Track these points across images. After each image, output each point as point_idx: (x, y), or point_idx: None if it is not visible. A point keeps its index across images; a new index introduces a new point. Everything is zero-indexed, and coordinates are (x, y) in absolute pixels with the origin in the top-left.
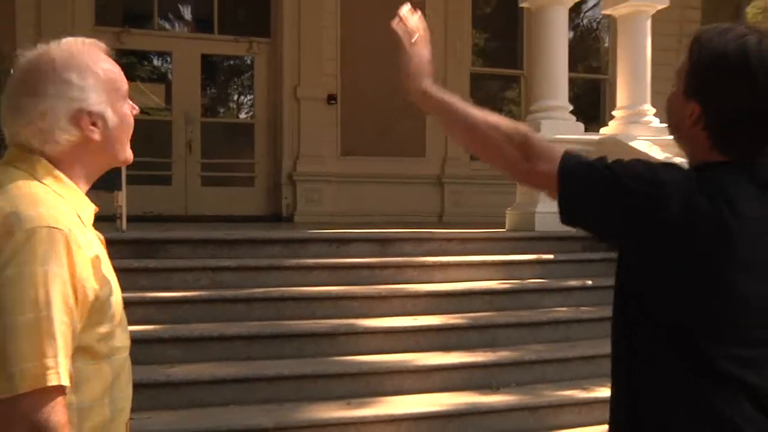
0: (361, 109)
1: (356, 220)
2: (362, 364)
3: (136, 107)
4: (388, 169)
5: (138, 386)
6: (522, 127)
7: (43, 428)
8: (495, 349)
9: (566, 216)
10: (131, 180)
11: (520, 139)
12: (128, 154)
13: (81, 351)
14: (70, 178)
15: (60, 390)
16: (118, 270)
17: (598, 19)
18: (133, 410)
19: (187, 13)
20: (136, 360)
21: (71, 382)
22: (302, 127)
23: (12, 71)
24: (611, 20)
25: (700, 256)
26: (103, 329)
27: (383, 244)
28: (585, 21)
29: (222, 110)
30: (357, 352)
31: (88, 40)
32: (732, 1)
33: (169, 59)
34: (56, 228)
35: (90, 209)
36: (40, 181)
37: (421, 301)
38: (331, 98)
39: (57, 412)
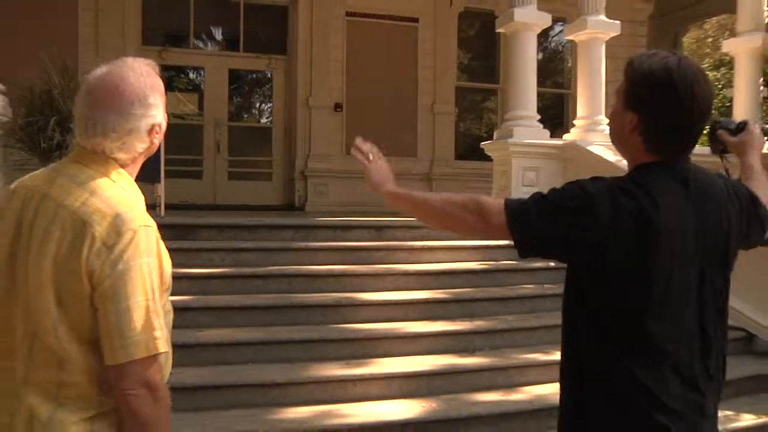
0: (362, 115)
1: (358, 210)
2: (360, 331)
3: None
4: None
5: (174, 346)
6: (472, 196)
7: (151, 384)
8: (472, 319)
9: (523, 252)
10: (169, 174)
11: (473, 206)
12: None
13: None
14: (131, 175)
15: (162, 354)
16: None
17: (563, 43)
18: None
19: (217, 34)
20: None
21: None
22: (313, 130)
23: (85, 88)
24: (573, 44)
25: (631, 249)
26: (165, 298)
27: (379, 231)
28: (553, 44)
29: (245, 116)
30: (356, 320)
31: (147, 61)
32: (671, 31)
33: (202, 73)
34: (149, 226)
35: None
36: (112, 181)
37: (410, 279)
38: (337, 106)
39: (159, 370)
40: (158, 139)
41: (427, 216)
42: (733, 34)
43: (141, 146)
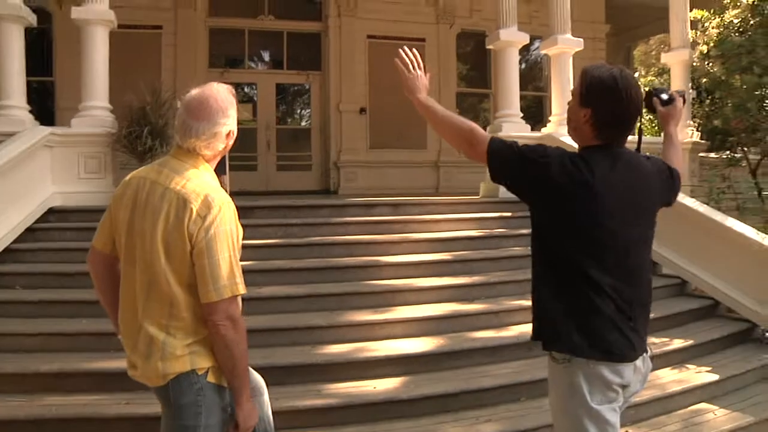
0: (382, 117)
1: (380, 192)
2: (383, 286)
3: None
4: (401, 157)
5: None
6: (472, 125)
7: (234, 317)
8: (471, 275)
9: (493, 178)
10: (232, 168)
11: (468, 132)
12: None
13: None
14: (211, 167)
15: (240, 296)
16: None
17: (540, 56)
18: None
19: (266, 56)
20: None
21: None
22: (343, 130)
23: (185, 103)
24: (548, 56)
25: (577, 203)
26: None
27: (396, 207)
28: (533, 57)
29: (289, 120)
30: (380, 278)
31: (227, 87)
32: (624, 46)
33: (255, 87)
34: (230, 203)
35: None
36: (201, 172)
37: (421, 245)
38: (362, 110)
39: (239, 307)
40: (231, 141)
41: (437, 125)
42: (670, 49)
43: (220, 146)
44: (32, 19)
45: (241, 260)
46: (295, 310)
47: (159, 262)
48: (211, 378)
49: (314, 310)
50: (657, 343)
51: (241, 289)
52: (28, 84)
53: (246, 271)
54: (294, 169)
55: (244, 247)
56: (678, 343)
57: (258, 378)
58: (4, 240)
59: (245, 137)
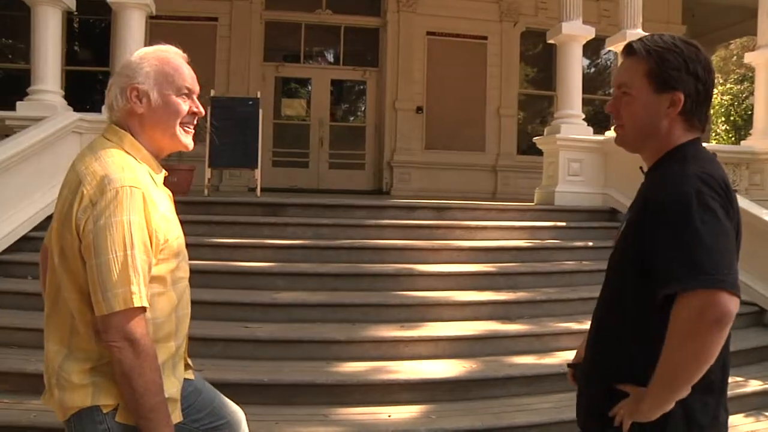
0: (440, 116)
1: (433, 195)
2: (415, 298)
3: (200, 108)
4: (458, 159)
5: (253, 305)
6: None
7: (131, 337)
8: (515, 290)
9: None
10: (282, 164)
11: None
12: (183, 140)
13: (155, 280)
14: (144, 147)
15: (141, 309)
16: (251, 224)
17: (611, 60)
18: (248, 321)
19: (322, 51)
20: (253, 286)
21: (148, 303)
22: (398, 129)
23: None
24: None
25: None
26: (171, 264)
27: (440, 211)
28: (603, 60)
29: (343, 117)
30: (412, 288)
31: (169, 47)
32: (708, 50)
33: (309, 83)
34: (136, 187)
35: (161, 174)
36: (124, 150)
37: (463, 254)
38: (419, 109)
39: (140, 324)
40: (141, 104)
41: (694, 373)
42: (756, 47)
43: (119, 103)
44: (71, 2)
45: (260, 262)
46: (313, 320)
47: (54, 260)
48: (121, 418)
49: (334, 321)
50: (729, 382)
51: (137, 301)
52: (93, 75)
53: (265, 274)
54: (346, 167)
55: (267, 247)
56: (755, 385)
57: (231, 411)
58: (21, 228)
59: (298, 133)
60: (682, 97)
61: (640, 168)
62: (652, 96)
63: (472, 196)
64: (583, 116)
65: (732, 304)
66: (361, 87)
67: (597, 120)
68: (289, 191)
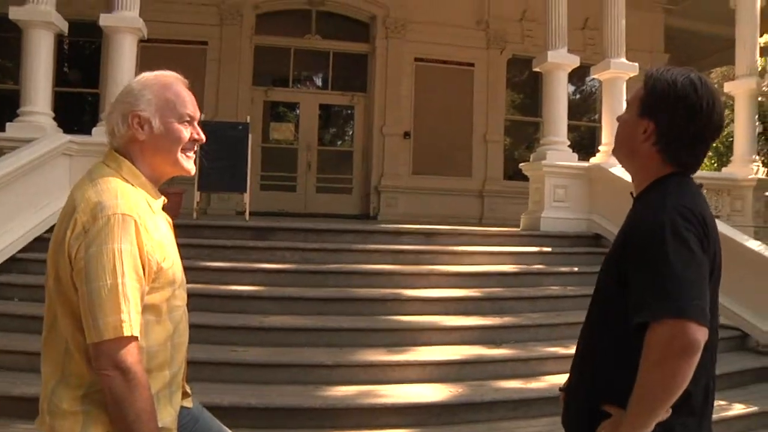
0: (427, 142)
1: (421, 220)
2: (402, 322)
3: (201, 135)
4: (445, 184)
5: (242, 329)
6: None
7: (122, 366)
8: (502, 315)
9: None
10: (269, 188)
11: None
12: (185, 165)
13: (149, 309)
14: (142, 174)
15: (133, 338)
16: (240, 248)
17: (595, 87)
18: (237, 344)
19: (311, 76)
20: (242, 310)
21: (141, 332)
22: (386, 153)
23: None
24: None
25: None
26: (166, 293)
27: (427, 236)
28: (587, 87)
29: (331, 141)
30: (400, 313)
31: (170, 72)
32: None
33: (298, 107)
34: (128, 215)
35: (160, 200)
36: (122, 177)
37: (450, 279)
38: (406, 134)
39: (131, 353)
40: (143, 131)
41: (666, 399)
42: (735, 77)
43: (120, 130)
44: (63, 26)
45: (250, 285)
46: (301, 344)
47: (49, 284)
48: None
49: (322, 345)
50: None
51: (127, 330)
52: (82, 96)
53: (254, 298)
54: (334, 191)
55: (254, 271)
56: (739, 409)
57: None
58: (8, 249)
59: (286, 157)
60: (650, 126)
61: (631, 193)
62: (635, 118)
63: (458, 221)
64: (569, 143)
65: (699, 334)
66: (350, 112)
67: (582, 146)
68: (276, 215)
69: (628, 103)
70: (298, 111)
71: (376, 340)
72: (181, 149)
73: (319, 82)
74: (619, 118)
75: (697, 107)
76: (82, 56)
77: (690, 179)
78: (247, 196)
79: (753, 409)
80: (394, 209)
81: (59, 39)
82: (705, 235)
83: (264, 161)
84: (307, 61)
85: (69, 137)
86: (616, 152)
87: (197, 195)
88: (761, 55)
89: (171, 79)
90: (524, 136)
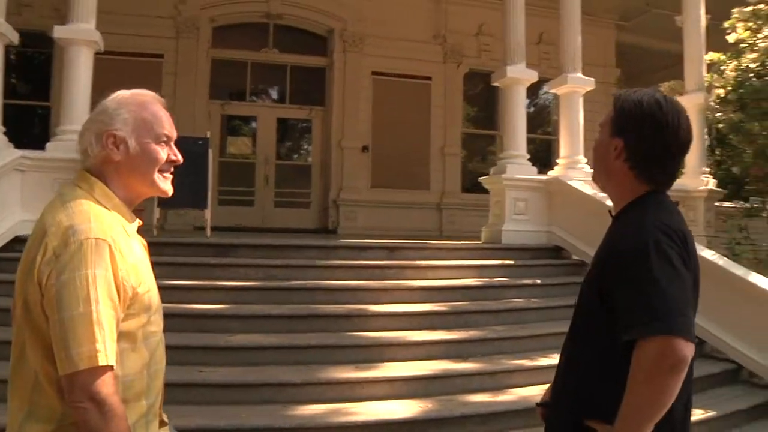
0: (385, 155)
1: (380, 233)
2: (369, 338)
3: (178, 156)
4: (403, 197)
5: (207, 348)
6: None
7: (97, 398)
8: (467, 329)
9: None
10: (227, 202)
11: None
12: (162, 187)
13: (124, 336)
14: (116, 196)
15: (108, 367)
16: (203, 265)
17: (549, 100)
18: (203, 365)
19: (269, 90)
20: (206, 329)
21: (117, 360)
22: (344, 167)
23: None
24: (557, 99)
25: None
26: (142, 319)
27: (391, 251)
28: (542, 101)
29: (290, 155)
30: (366, 329)
31: (147, 92)
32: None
33: (255, 121)
34: (102, 239)
35: (135, 223)
36: (95, 199)
37: (415, 293)
38: (364, 148)
39: (106, 384)
40: (118, 151)
41: (654, 415)
42: (684, 92)
43: (94, 150)
44: (14, 37)
45: (213, 304)
46: (268, 363)
47: (17, 314)
48: None
49: (290, 364)
50: None
51: (102, 360)
52: (32, 109)
53: (219, 316)
54: (292, 206)
55: (218, 289)
56: (698, 414)
57: None
58: None
59: (243, 171)
60: (620, 144)
61: (609, 211)
62: (607, 139)
63: (417, 234)
64: (528, 156)
65: (687, 350)
66: (307, 125)
67: (538, 158)
68: (235, 230)
69: (601, 126)
70: (255, 125)
71: (344, 356)
72: (158, 170)
73: (276, 95)
74: (595, 143)
75: (663, 123)
76: (32, 67)
77: (666, 197)
78: (208, 213)
79: (711, 413)
80: (353, 223)
81: (6, 49)
82: (686, 251)
83: (221, 176)
84: (265, 74)
85: (21, 152)
86: (596, 175)
87: (157, 212)
88: (708, 71)
89: (147, 98)
90: (481, 149)
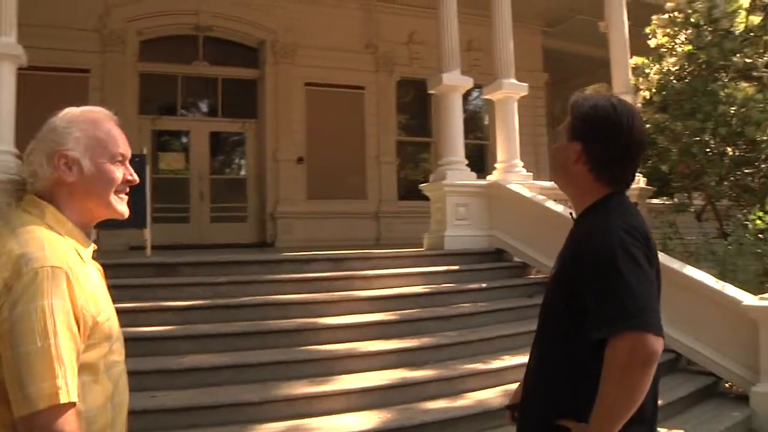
0: (321, 166)
1: (319, 245)
2: (322, 352)
3: (134, 176)
4: (340, 207)
5: (158, 372)
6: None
7: None
8: (419, 336)
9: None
10: (161, 220)
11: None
12: (119, 208)
13: (85, 368)
14: (69, 220)
15: (70, 404)
16: (146, 286)
17: (480, 105)
18: (155, 389)
19: (200, 103)
20: (156, 352)
21: (79, 395)
22: (280, 179)
23: None
24: (490, 104)
25: None
26: (103, 349)
27: (336, 262)
28: (472, 106)
29: (224, 169)
30: (318, 342)
31: (100, 109)
32: (562, 96)
33: (188, 136)
34: (58, 267)
35: (90, 248)
36: (46, 224)
37: (365, 304)
38: (300, 159)
39: (69, 422)
40: (71, 172)
41: (629, 409)
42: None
43: (43, 171)
44: (24, 59)
45: (161, 326)
46: (223, 383)
47: None
48: None
49: (244, 382)
50: None
51: (64, 397)
52: None
53: (167, 338)
54: (229, 220)
55: (165, 310)
56: None
57: None
58: None
59: (177, 187)
60: (578, 148)
61: (570, 214)
62: (565, 144)
63: (356, 244)
64: (467, 162)
65: (658, 344)
66: (241, 138)
67: (472, 164)
68: (172, 248)
69: (558, 133)
70: (187, 140)
71: (298, 372)
72: (114, 191)
73: (208, 109)
74: (553, 148)
75: (618, 125)
76: None
77: (626, 197)
78: (148, 232)
79: None
80: (291, 235)
81: None
82: (649, 249)
83: (154, 193)
84: (196, 88)
85: None
86: (557, 179)
87: (94, 232)
88: (633, 75)
89: (100, 115)
90: (414, 156)
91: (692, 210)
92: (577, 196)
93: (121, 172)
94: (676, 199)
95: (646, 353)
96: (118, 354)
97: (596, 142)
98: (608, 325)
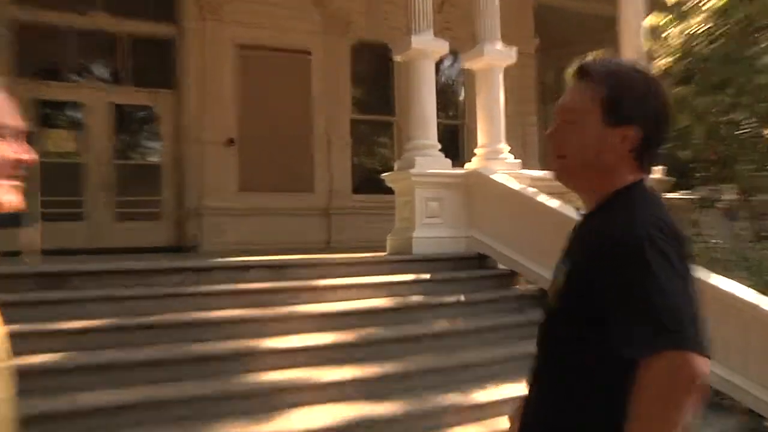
0: (257, 149)
1: (256, 249)
2: (264, 383)
3: (30, 154)
4: (282, 202)
5: (41, 418)
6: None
7: None
8: (383, 362)
9: None
10: (48, 216)
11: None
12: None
13: None
14: None
15: None
16: (30, 303)
17: (453, 76)
18: None
19: (97, 67)
20: (44, 390)
21: None
22: (205, 167)
23: None
24: (467, 75)
25: None
26: None
27: (279, 270)
28: (444, 78)
29: (130, 153)
30: (259, 370)
31: None
32: (555, 64)
33: (82, 109)
34: None
35: None
36: None
37: (315, 321)
38: (230, 141)
39: None
40: None
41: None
42: None
43: None
44: None
45: (48, 353)
46: (131, 426)
47: None
48: None
49: (161, 424)
50: None
51: None
52: None
53: (59, 371)
54: (137, 218)
55: (54, 334)
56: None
57: None
58: None
59: (68, 176)
60: (633, 134)
61: (577, 209)
62: (603, 128)
63: (303, 248)
64: (440, 146)
65: (705, 366)
66: (152, 114)
67: (443, 148)
68: (61, 253)
69: (573, 111)
70: (82, 113)
71: (231, 409)
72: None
73: (109, 75)
74: (554, 133)
75: (666, 101)
76: None
77: (651, 187)
78: (35, 232)
79: None
80: (221, 237)
81: None
82: (681, 246)
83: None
84: (92, 46)
85: None
86: (573, 172)
87: None
88: (650, 37)
89: None
90: (374, 140)
91: (720, 206)
92: (594, 187)
93: (8, 150)
94: (699, 193)
95: (690, 376)
96: (3, 393)
97: (650, 123)
98: (640, 341)
